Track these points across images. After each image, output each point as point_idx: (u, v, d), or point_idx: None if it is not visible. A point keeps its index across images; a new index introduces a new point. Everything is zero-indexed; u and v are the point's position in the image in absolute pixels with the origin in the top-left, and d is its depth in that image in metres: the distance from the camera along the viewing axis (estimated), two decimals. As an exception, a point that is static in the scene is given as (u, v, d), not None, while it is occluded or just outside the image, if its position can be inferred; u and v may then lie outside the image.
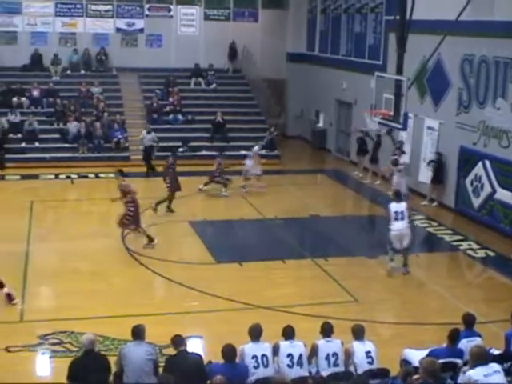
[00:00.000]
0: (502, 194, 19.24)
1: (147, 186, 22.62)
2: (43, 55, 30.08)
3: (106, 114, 27.39)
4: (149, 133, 25.62)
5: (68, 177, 23.65)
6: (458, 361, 9.15)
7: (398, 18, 20.27)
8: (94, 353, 9.08)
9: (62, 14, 30.56)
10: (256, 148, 23.25)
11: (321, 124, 31.77)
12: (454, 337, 9.41)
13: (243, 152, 24.32)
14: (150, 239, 17.05)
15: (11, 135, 26.36)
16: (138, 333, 9.18)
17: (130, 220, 16.93)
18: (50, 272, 15.24)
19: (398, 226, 15.29)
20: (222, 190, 22.23)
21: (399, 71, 20.11)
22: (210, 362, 9.32)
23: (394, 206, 15.43)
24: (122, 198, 17.00)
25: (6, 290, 13.35)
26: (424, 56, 21.59)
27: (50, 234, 18.01)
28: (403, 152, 22.70)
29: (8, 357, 11.27)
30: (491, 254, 17.76)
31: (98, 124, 26.88)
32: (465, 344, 9.37)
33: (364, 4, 27.24)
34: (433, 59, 21.46)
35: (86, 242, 17.54)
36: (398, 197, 15.91)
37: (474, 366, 7.98)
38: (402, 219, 15.30)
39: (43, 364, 11.39)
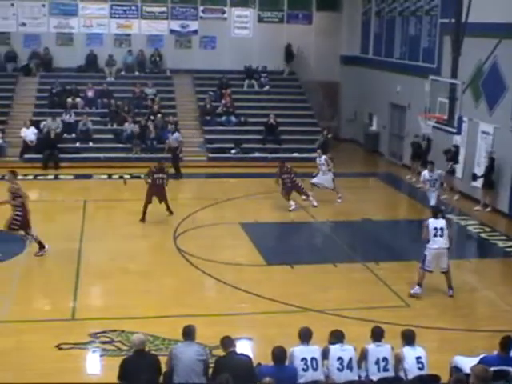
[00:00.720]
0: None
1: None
2: (98, 56, 30.45)
3: (159, 115, 27.59)
4: (173, 133, 25.79)
5: (121, 177, 23.91)
6: (511, 369, 8.97)
7: (453, 20, 20.04)
8: (145, 352, 9.14)
9: (117, 15, 30.91)
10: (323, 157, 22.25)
11: (374, 127, 31.52)
12: (506, 344, 9.24)
13: (295, 154, 24.05)
14: (41, 246, 16.28)
15: (65, 135, 26.76)
16: (188, 333, 9.21)
17: (18, 225, 16.05)
18: (101, 271, 15.38)
19: (438, 244, 14.51)
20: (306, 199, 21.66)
21: (454, 75, 19.89)
22: (259, 363, 9.30)
23: (433, 222, 14.63)
24: (12, 201, 16.08)
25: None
26: (479, 59, 21.30)
27: (102, 233, 18.22)
28: (455, 161, 22.29)
29: (59, 354, 11.40)
30: (546, 261, 17.44)
31: (151, 125, 27.10)
32: (517, 352, 9.21)
33: (419, 7, 26.95)
34: (488, 62, 21.15)
35: (138, 241, 17.70)
36: (437, 212, 15.14)
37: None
38: (441, 236, 14.50)
39: (94, 362, 11.46)
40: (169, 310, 13.17)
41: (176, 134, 25.46)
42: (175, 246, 17.21)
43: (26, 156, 25.69)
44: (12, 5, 29.82)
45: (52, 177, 24.48)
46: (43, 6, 30.02)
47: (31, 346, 11.59)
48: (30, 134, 26.01)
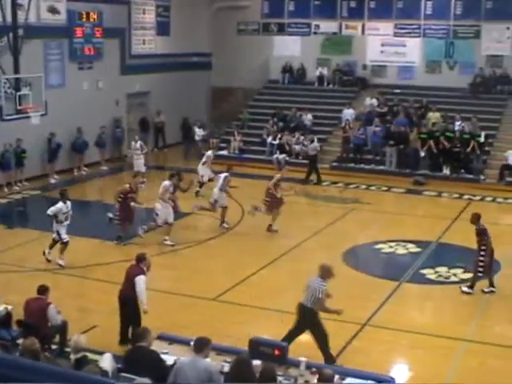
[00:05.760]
0: None
1: None
2: None
3: None
4: (312, 142, 25.45)
5: None
6: None
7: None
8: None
9: None
10: None
11: None
12: None
13: None
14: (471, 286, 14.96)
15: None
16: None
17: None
18: None
19: None
20: None
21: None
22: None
23: None
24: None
25: None
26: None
27: None
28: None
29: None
30: None
31: None
32: None
33: None
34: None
35: None
36: None
37: None
38: None
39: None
40: None
41: (315, 143, 25.89)
42: None
43: (508, 179, 25.46)
44: (507, 28, 29.89)
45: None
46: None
47: (489, 368, 11.45)
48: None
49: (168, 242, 17.57)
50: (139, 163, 24.43)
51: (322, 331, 10.94)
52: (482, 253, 14.65)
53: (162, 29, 31.26)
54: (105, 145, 27.31)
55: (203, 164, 22.87)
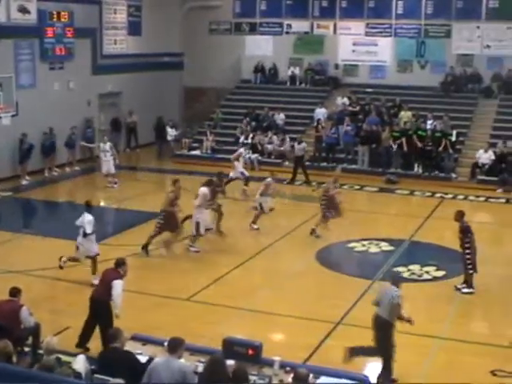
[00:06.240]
0: None
1: None
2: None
3: None
4: (300, 143, 25.51)
5: None
6: None
7: None
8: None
9: None
10: None
11: None
12: None
13: None
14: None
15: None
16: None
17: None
18: None
19: None
20: None
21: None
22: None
23: None
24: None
25: None
26: None
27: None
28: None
29: (492, 380, 11.10)
30: None
31: None
32: None
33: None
34: None
35: None
36: None
37: None
38: None
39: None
40: None
41: (303, 144, 25.67)
42: None
43: (479, 177, 25.68)
44: (477, 27, 30.16)
45: (503, 200, 24.12)
46: (508, 28, 29.73)
47: (465, 365, 11.54)
48: (484, 157, 25.97)
49: (194, 249, 17.27)
50: (108, 164, 24.26)
51: (392, 345, 10.67)
52: (468, 251, 14.73)
53: (134, 29, 31.14)
54: (74, 145, 27.06)
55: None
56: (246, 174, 23.15)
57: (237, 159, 23.29)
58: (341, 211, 18.62)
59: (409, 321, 10.88)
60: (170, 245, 17.06)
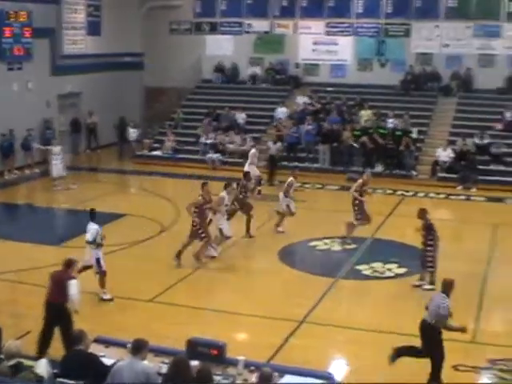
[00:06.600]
0: None
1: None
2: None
3: None
4: (275, 143, 25.85)
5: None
6: None
7: None
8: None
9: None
10: None
11: None
12: None
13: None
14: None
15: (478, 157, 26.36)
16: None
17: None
18: (507, 296, 14.84)
19: None
20: None
21: None
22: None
23: None
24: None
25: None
26: None
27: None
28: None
29: (454, 375, 11.23)
30: None
31: None
32: None
33: None
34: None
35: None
36: None
37: None
38: None
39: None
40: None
41: (278, 144, 26.09)
42: None
43: (440, 175, 25.94)
44: (436, 26, 30.45)
45: (464, 197, 24.43)
46: (467, 27, 30.06)
47: (427, 361, 11.59)
48: (444, 155, 26.25)
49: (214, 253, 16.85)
50: (59, 168, 23.96)
51: (441, 351, 10.53)
52: (430, 248, 14.84)
53: (93, 29, 30.90)
54: (30, 148, 26.52)
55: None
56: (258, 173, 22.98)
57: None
58: (369, 216, 18.24)
59: (461, 330, 10.72)
60: (201, 255, 16.50)
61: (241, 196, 18.54)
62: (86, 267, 14.09)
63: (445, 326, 10.57)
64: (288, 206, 19.03)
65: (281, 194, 19.10)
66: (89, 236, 14.10)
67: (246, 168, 22.29)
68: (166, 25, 33.75)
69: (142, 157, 29.19)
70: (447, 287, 10.79)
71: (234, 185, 18.02)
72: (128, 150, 29.63)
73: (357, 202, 18.07)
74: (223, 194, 17.00)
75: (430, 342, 10.55)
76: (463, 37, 30.27)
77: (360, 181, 18.58)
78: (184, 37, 33.51)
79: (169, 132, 29.65)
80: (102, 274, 14.02)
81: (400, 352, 10.90)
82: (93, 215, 14.45)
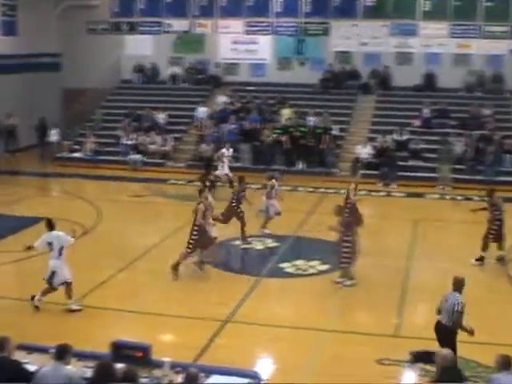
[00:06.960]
0: None
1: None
2: (435, 76, 30.22)
3: (495, 137, 26.49)
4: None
5: (452, 198, 23.48)
6: None
7: None
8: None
9: (456, 35, 30.47)
10: None
11: None
12: None
13: None
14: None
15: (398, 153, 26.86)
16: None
17: None
18: (429, 291, 15.04)
19: None
20: None
21: None
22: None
23: None
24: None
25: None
26: None
27: (432, 252, 17.80)
28: None
29: (378, 369, 11.42)
30: None
31: (488, 147, 26.13)
32: None
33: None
34: None
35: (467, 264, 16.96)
36: None
37: None
38: None
39: (410, 381, 11.32)
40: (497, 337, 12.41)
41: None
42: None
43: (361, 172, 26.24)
44: (355, 25, 30.90)
45: (384, 193, 24.83)
46: (384, 26, 30.61)
47: (352, 356, 11.80)
48: (364, 152, 26.66)
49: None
50: None
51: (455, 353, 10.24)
52: (346, 244, 14.99)
53: (9, 29, 30.26)
54: None
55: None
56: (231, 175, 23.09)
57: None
58: (361, 219, 18.01)
59: (470, 331, 10.62)
60: (203, 264, 16.09)
61: (233, 204, 18.41)
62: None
63: (461, 324, 10.57)
64: (267, 208, 18.96)
65: (263, 197, 19.09)
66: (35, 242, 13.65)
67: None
68: (84, 25, 33.38)
69: (62, 159, 28.74)
70: (459, 285, 10.81)
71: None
72: (49, 152, 29.07)
73: (348, 204, 17.83)
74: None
75: (446, 344, 10.27)
76: (380, 35, 30.83)
77: (352, 185, 18.68)
78: (102, 37, 33.14)
79: (89, 133, 29.25)
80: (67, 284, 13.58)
81: (419, 357, 10.99)
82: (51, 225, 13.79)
